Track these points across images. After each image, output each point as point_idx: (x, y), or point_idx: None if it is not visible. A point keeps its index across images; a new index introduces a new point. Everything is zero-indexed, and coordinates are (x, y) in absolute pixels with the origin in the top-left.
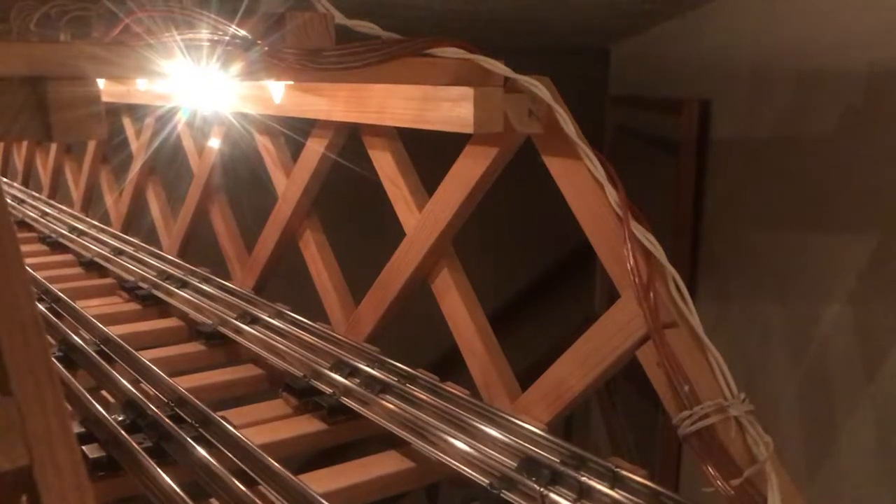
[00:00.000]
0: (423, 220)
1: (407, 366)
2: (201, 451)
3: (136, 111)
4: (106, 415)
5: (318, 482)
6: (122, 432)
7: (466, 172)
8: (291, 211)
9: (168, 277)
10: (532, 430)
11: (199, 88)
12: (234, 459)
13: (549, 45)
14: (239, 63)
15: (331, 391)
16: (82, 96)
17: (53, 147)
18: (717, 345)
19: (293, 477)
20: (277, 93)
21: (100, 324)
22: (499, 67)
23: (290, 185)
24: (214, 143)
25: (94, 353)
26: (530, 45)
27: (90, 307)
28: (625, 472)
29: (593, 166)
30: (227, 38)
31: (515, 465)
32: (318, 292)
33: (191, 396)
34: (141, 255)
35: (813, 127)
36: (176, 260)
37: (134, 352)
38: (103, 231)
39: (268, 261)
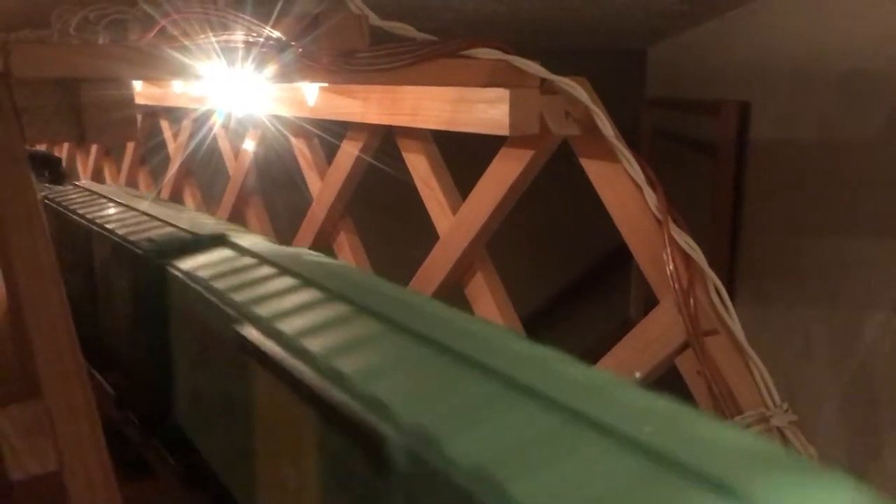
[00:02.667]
0: (456, 223)
1: None
2: None
3: (172, 114)
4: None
5: None
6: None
7: (501, 175)
8: (325, 214)
9: None
10: None
11: (234, 90)
12: None
13: (585, 47)
14: (273, 65)
15: None
16: (116, 99)
17: (94, 150)
18: (757, 352)
19: None
20: (311, 95)
21: None
22: (535, 68)
23: (324, 188)
24: (250, 145)
25: None
26: (566, 46)
27: None
28: None
29: (632, 168)
30: (261, 39)
31: None
32: None
33: None
34: None
35: (856, 128)
36: None
37: None
38: None
39: None
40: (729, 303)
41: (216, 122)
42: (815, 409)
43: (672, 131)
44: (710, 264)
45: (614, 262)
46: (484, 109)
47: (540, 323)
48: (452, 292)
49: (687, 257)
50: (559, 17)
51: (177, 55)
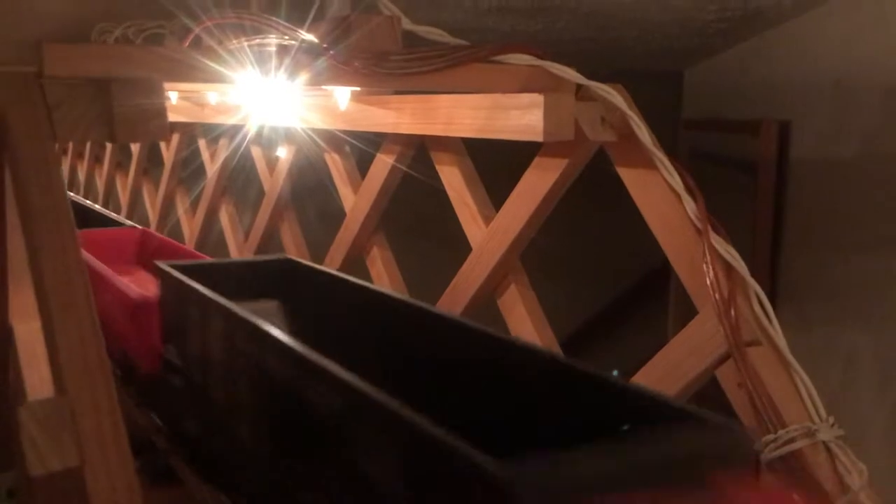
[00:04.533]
0: (490, 233)
1: None
2: None
3: (208, 131)
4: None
5: None
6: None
7: (535, 184)
8: (359, 227)
9: None
10: None
11: (268, 99)
12: None
13: (623, 69)
14: (306, 68)
15: None
16: (148, 99)
17: (132, 170)
18: None
19: None
20: (343, 99)
21: None
22: (570, 73)
23: (358, 201)
24: (284, 159)
25: None
26: (602, 69)
27: None
28: None
29: (670, 176)
30: (294, 43)
31: None
32: None
33: None
34: None
35: None
36: None
37: None
38: None
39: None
40: (772, 313)
41: (249, 135)
42: (859, 432)
43: (710, 153)
44: None
45: (653, 284)
46: (518, 116)
47: (578, 345)
48: (486, 305)
49: (727, 266)
50: (596, 38)
51: (207, 61)
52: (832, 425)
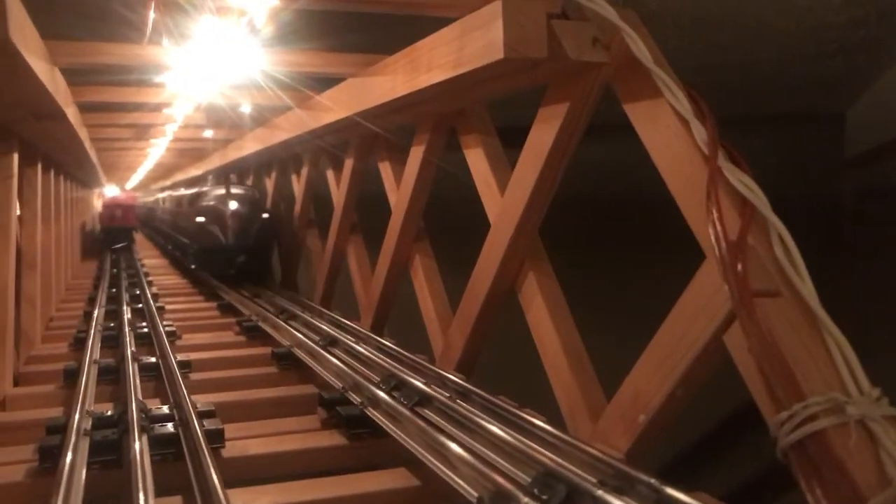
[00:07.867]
0: (504, 203)
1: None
2: None
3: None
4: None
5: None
6: None
7: (540, 139)
8: (400, 227)
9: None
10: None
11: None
12: None
13: (783, 113)
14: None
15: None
16: None
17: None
18: None
19: None
20: None
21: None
22: None
23: (398, 199)
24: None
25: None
26: (763, 113)
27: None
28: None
29: (676, 100)
30: None
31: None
32: (425, 322)
33: None
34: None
35: None
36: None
37: None
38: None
39: (384, 284)
40: (798, 257)
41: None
42: None
43: (873, 187)
44: None
45: None
46: (481, 36)
47: None
48: (507, 298)
49: (743, 202)
50: (753, 76)
51: None
52: (877, 399)
